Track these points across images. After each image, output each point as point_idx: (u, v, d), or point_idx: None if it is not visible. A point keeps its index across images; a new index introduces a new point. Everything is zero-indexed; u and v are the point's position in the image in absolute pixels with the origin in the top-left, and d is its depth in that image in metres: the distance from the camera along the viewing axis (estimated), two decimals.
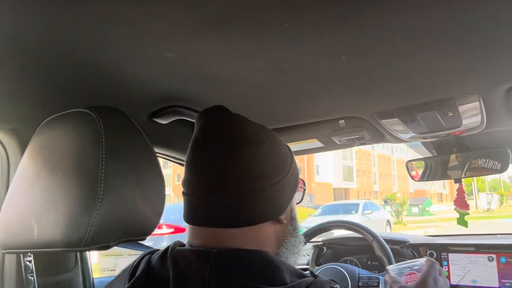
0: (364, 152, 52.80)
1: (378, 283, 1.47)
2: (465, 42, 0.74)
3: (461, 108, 1.06)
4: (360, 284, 1.48)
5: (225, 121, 0.77)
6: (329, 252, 2.10)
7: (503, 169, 1.38)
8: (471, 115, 1.10)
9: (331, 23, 0.67)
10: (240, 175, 0.72)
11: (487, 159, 1.42)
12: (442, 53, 0.79)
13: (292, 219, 0.80)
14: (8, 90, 0.85)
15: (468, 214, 1.52)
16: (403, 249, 1.86)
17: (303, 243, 0.82)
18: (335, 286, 0.71)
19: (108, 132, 0.67)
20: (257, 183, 0.72)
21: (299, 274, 0.69)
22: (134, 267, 0.78)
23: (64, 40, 0.69)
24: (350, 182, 49.15)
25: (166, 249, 0.74)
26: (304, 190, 0.92)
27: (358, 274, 1.52)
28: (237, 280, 0.65)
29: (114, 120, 0.71)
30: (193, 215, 0.73)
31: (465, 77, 0.91)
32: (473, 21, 0.67)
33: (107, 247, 0.64)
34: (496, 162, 1.40)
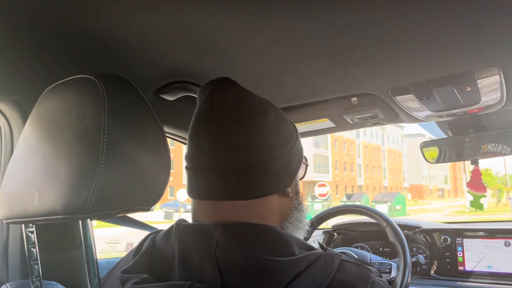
0: (345, 140, 47.75)
1: (390, 269, 1.43)
2: (483, 10, 0.70)
3: (480, 83, 1.01)
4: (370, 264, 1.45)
5: (231, 93, 0.75)
6: (339, 238, 2.07)
7: None
8: (490, 90, 1.05)
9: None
10: (247, 147, 0.70)
11: (505, 140, 1.38)
12: (460, 24, 0.75)
13: (297, 193, 0.79)
14: (10, 61, 0.84)
15: (485, 196, 1.48)
16: (416, 235, 1.83)
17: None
18: (347, 259, 0.68)
19: (111, 99, 0.65)
20: (264, 155, 0.71)
21: (308, 247, 0.67)
22: (139, 245, 0.77)
23: (68, 10, 0.67)
24: (324, 174, 43.96)
25: (171, 226, 0.73)
26: (307, 165, 0.90)
27: (370, 260, 1.49)
28: (244, 253, 0.63)
29: (117, 87, 0.68)
30: (198, 189, 0.71)
31: (485, 48, 0.87)
32: None
33: (109, 216, 0.62)
34: None
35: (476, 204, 1.58)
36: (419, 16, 0.72)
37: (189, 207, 0.78)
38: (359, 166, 52.50)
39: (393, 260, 1.48)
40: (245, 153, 0.70)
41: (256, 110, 0.74)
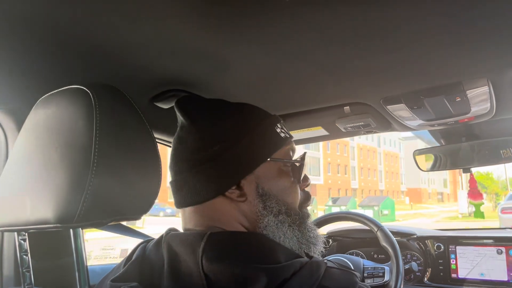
0: (339, 141, 45.25)
1: (384, 273, 1.44)
2: (473, 24, 0.72)
3: (470, 93, 1.03)
4: (365, 274, 1.46)
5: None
6: (334, 245, 2.08)
7: None
8: (480, 100, 1.06)
9: (336, 5, 0.65)
10: (177, 154, 0.77)
11: (497, 148, 1.39)
12: (450, 35, 0.77)
13: (263, 196, 0.74)
14: (6, 70, 0.85)
15: (483, 203, 1.49)
16: (410, 242, 1.83)
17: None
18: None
19: (103, 109, 0.66)
20: (189, 157, 0.75)
21: (294, 255, 0.68)
22: (130, 254, 0.78)
23: (64, 21, 0.68)
24: (315, 176, 41.87)
25: (162, 235, 0.74)
26: (301, 165, 0.83)
27: (363, 265, 1.50)
28: (230, 260, 0.64)
29: (109, 98, 0.69)
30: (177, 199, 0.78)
31: (474, 60, 0.89)
32: (482, 2, 0.65)
33: (100, 224, 0.63)
34: (506, 151, 1.36)
35: (478, 214, 1.59)
36: (410, 28, 0.73)
37: (169, 210, 0.84)
38: (354, 169, 50.71)
39: (386, 264, 1.49)
40: (179, 159, 0.77)
41: (186, 120, 0.79)
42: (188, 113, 0.78)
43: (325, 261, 0.70)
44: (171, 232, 0.73)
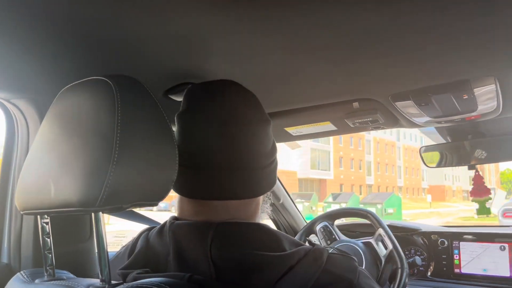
0: (353, 134, 39.77)
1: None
2: (481, 21, 0.74)
3: (477, 91, 1.05)
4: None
5: (239, 96, 0.79)
6: None
7: None
8: (487, 98, 1.08)
9: (347, 3, 0.67)
10: (252, 151, 0.75)
11: (502, 146, 1.41)
12: (458, 33, 0.78)
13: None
14: (30, 62, 0.88)
15: (491, 198, 1.50)
16: (414, 237, 1.86)
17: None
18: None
19: (123, 99, 0.69)
20: (264, 160, 0.77)
21: (298, 243, 0.71)
22: (133, 244, 0.81)
23: (85, 12, 0.70)
24: (324, 171, 38.43)
25: (163, 224, 0.77)
26: None
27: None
28: (239, 249, 0.67)
29: (129, 88, 0.72)
30: (194, 188, 0.76)
31: (481, 58, 0.91)
32: (488, 2, 0.67)
33: (120, 209, 0.66)
34: (510, 150, 1.38)
35: (483, 210, 1.60)
36: (418, 25, 0.75)
37: (162, 205, 0.83)
38: (370, 164, 46.85)
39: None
40: (250, 157, 0.75)
41: (261, 116, 0.79)
42: (264, 112, 0.82)
43: (327, 248, 0.74)
44: (176, 221, 0.75)
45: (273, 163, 0.81)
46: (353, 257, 0.74)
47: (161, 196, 0.73)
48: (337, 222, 2.05)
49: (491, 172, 67.99)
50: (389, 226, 1.57)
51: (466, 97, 1.07)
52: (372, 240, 1.56)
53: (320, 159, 38.08)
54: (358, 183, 44.21)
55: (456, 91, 1.05)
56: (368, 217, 1.64)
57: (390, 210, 19.88)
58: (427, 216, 26.86)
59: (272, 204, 2.04)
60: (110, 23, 0.74)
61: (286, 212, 2.10)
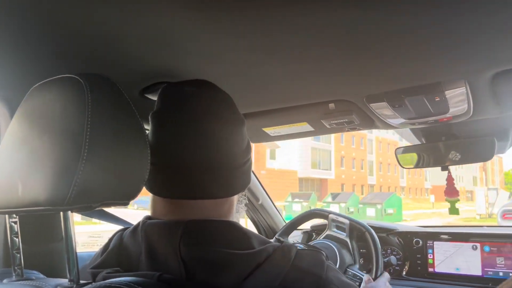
0: (355, 134, 40.29)
1: (360, 284, 1.46)
2: (452, 26, 0.75)
3: (448, 94, 1.07)
4: (345, 274, 1.49)
5: (211, 95, 0.80)
6: (317, 238, 2.12)
7: (488, 157, 1.41)
8: (458, 101, 1.11)
9: (321, 5, 0.68)
10: (224, 150, 0.76)
11: (474, 148, 1.45)
12: (429, 37, 0.80)
13: None
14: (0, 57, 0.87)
15: (459, 200, 1.54)
16: (390, 237, 1.89)
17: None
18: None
19: (95, 99, 0.68)
20: (237, 159, 0.77)
21: (267, 241, 0.72)
22: (107, 243, 0.81)
23: (57, 8, 0.70)
24: (325, 171, 37.67)
25: (138, 224, 0.77)
26: None
27: (347, 265, 1.54)
28: (208, 247, 0.67)
29: (101, 87, 0.72)
30: (167, 188, 0.76)
31: (452, 61, 0.93)
32: (460, 8, 0.68)
33: (89, 208, 0.65)
34: (482, 151, 1.42)
35: (454, 210, 1.64)
36: (392, 28, 0.76)
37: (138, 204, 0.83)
38: (371, 164, 45.98)
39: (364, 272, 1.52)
40: (224, 156, 0.75)
41: (235, 116, 0.79)
42: (238, 112, 0.82)
43: (295, 244, 0.75)
44: (148, 220, 0.75)
45: (247, 162, 0.81)
46: (321, 251, 0.76)
47: (132, 195, 0.73)
48: (315, 221, 2.07)
49: (495, 173, 67.35)
50: None
51: (438, 99, 1.09)
52: (329, 231, 1.61)
53: (321, 158, 37.26)
54: (359, 183, 43.42)
55: (429, 93, 1.07)
56: (315, 214, 1.69)
57: (390, 211, 19.28)
58: (428, 216, 26.23)
59: (251, 205, 2.04)
60: (84, 21, 0.74)
61: (265, 213, 2.11)
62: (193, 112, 0.75)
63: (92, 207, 0.66)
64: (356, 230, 1.59)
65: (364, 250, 1.76)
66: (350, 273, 1.51)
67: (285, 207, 20.25)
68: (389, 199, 19.64)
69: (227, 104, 0.80)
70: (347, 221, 1.58)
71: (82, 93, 0.68)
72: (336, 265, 1.47)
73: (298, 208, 20.68)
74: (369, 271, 1.49)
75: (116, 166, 0.68)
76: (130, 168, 0.71)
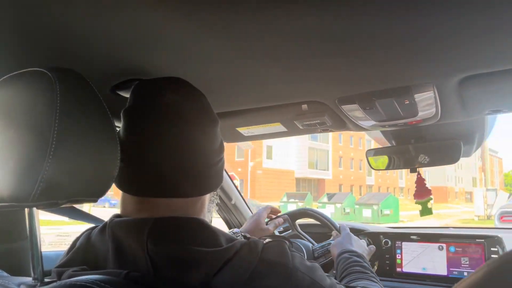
0: (353, 134, 38.11)
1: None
2: (420, 30, 0.77)
3: (417, 97, 1.10)
4: (316, 255, 1.55)
5: (185, 93, 0.80)
6: None
7: (454, 160, 1.46)
8: (426, 104, 1.14)
9: (292, 7, 0.69)
10: (200, 150, 0.76)
11: (441, 151, 1.49)
12: (399, 41, 0.82)
13: None
14: None
15: (431, 199, 1.58)
16: (360, 237, 1.91)
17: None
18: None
19: (64, 93, 0.67)
20: (210, 158, 0.78)
21: (234, 239, 0.73)
22: (73, 242, 0.80)
23: (25, 3, 0.68)
24: (322, 171, 37.06)
25: (106, 222, 0.76)
26: None
27: (312, 247, 1.60)
28: (175, 244, 0.67)
29: (71, 82, 0.71)
30: (138, 185, 0.75)
31: (420, 66, 0.95)
32: (427, 14, 0.70)
33: (55, 205, 0.64)
34: (449, 154, 1.46)
35: (425, 211, 1.67)
36: (362, 31, 0.77)
37: (113, 202, 0.82)
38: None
39: (331, 239, 1.59)
40: (196, 155, 0.75)
41: (208, 115, 0.79)
42: (212, 112, 0.82)
43: (263, 240, 0.77)
44: (116, 219, 0.75)
45: (219, 162, 0.81)
46: (285, 240, 0.78)
47: (101, 192, 0.72)
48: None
49: (494, 174, 66.90)
50: None
51: (407, 102, 1.12)
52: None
53: (319, 158, 36.96)
54: (358, 184, 43.04)
55: (399, 96, 1.10)
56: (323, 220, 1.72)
57: (386, 212, 19.05)
58: (425, 217, 26.35)
59: (224, 204, 2.04)
60: (54, 14, 0.72)
61: (238, 213, 2.11)
62: (166, 110, 0.75)
63: (58, 204, 0.65)
64: (295, 216, 1.74)
65: (318, 231, 1.89)
66: (319, 250, 1.57)
67: (280, 208, 19.94)
68: (385, 200, 19.50)
69: (201, 103, 0.80)
70: (285, 216, 1.68)
71: (51, 87, 0.67)
72: (304, 256, 1.51)
73: (293, 209, 20.37)
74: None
75: (85, 163, 0.67)
76: (99, 165, 0.70)
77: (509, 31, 0.77)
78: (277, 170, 32.04)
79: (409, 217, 24.07)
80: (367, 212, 19.04)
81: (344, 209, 20.13)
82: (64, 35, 0.80)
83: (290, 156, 33.62)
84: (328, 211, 18.83)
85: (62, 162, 0.63)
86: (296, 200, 21.36)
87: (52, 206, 0.64)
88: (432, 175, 59.72)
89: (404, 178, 52.21)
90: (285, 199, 22.36)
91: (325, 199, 22.15)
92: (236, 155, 30.74)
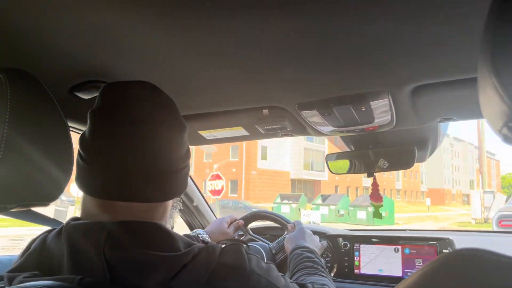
0: None
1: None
2: (375, 40, 0.80)
3: (373, 105, 1.13)
4: (274, 252, 1.59)
5: (153, 97, 0.79)
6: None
7: (409, 165, 1.52)
8: (382, 111, 1.18)
9: (251, 12, 0.70)
10: (162, 153, 0.75)
11: (397, 156, 1.54)
12: (355, 50, 0.85)
13: None
14: None
15: (382, 206, 1.63)
16: (320, 239, 1.95)
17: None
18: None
19: (15, 95, 0.66)
20: (175, 164, 0.78)
21: (192, 243, 0.74)
22: (28, 246, 0.77)
23: None
24: (318, 172, 36.53)
25: (62, 225, 0.74)
26: None
27: (269, 246, 1.63)
28: (133, 249, 0.67)
29: (23, 83, 0.70)
30: (100, 187, 0.73)
31: (375, 74, 0.99)
32: (380, 26, 0.74)
33: (4, 209, 0.63)
34: (404, 159, 1.52)
35: (377, 214, 1.73)
36: (320, 39, 0.80)
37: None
38: None
39: (285, 234, 1.64)
40: (161, 160, 0.74)
41: (176, 121, 0.80)
42: (180, 117, 0.82)
43: (219, 244, 0.78)
44: (72, 222, 0.73)
45: (185, 168, 0.81)
46: (241, 242, 0.80)
47: (53, 196, 0.71)
48: (253, 225, 2.10)
49: (492, 176, 66.88)
50: None
51: (364, 109, 1.16)
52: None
53: (314, 159, 36.35)
54: (354, 185, 42.67)
55: (356, 103, 1.13)
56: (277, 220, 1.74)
57: (383, 214, 17.91)
58: (422, 220, 25.61)
59: (186, 207, 2.03)
60: (8, 11, 0.71)
61: (200, 215, 2.11)
62: (135, 114, 0.74)
63: (6, 208, 0.63)
64: (248, 220, 1.77)
65: (274, 234, 1.95)
66: (276, 246, 1.61)
67: (274, 209, 19.57)
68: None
69: (170, 109, 0.80)
70: (241, 221, 1.71)
71: (1, 88, 0.65)
72: (264, 259, 1.53)
73: (287, 210, 20.36)
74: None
75: (36, 166, 0.66)
76: (51, 168, 0.69)
77: (457, 44, 0.81)
78: (272, 171, 31.64)
79: (405, 219, 24.31)
80: (361, 214, 19.14)
81: (338, 211, 20.05)
82: (20, 35, 0.78)
83: (285, 157, 33.27)
84: (321, 213, 18.76)
85: (12, 164, 0.62)
86: (290, 202, 21.10)
87: (1, 210, 0.63)
88: (429, 177, 60.18)
89: (400, 180, 52.45)
90: (278, 200, 22.11)
91: (319, 201, 21.95)
92: (231, 155, 30.18)
